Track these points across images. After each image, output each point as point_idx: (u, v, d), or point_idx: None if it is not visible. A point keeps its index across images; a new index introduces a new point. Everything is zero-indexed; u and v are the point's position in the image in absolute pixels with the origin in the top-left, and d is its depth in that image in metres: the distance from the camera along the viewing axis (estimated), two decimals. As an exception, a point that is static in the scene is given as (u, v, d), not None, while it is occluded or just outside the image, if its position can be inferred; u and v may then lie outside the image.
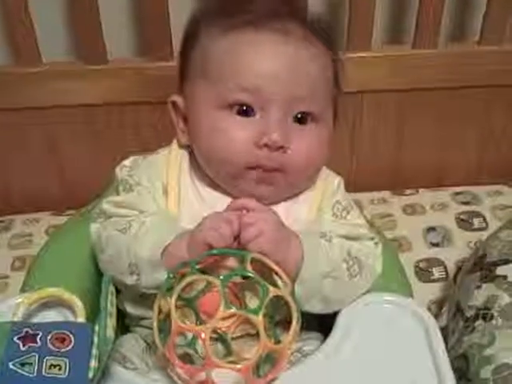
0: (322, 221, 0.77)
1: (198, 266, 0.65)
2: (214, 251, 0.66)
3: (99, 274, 0.76)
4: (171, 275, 0.65)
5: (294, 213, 0.77)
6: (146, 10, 1.05)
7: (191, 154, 0.78)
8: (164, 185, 0.76)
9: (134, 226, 0.72)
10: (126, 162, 0.80)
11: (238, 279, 0.66)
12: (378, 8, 1.08)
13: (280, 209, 0.75)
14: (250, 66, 0.72)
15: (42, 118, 1.12)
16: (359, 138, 1.18)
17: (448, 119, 1.17)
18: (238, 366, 0.62)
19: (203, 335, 0.61)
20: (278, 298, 0.65)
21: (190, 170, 0.78)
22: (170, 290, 0.64)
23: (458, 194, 1.18)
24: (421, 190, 1.19)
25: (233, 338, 0.69)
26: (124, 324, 0.79)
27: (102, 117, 1.13)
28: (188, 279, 0.63)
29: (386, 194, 1.19)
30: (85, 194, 1.04)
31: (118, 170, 0.80)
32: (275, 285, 0.66)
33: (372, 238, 0.78)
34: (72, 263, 0.79)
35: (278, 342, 0.66)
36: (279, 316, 0.70)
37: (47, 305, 0.71)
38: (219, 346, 0.69)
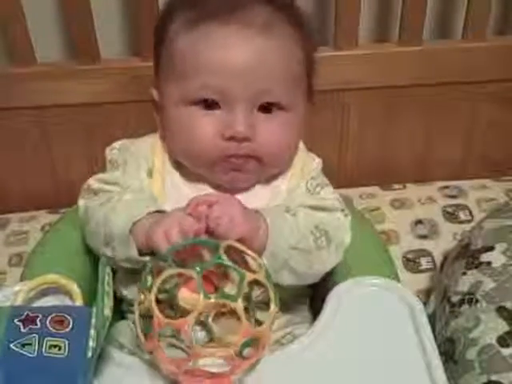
0: (294, 194, 0.79)
1: (172, 258, 0.65)
2: (188, 241, 0.67)
3: (96, 260, 0.78)
4: (149, 273, 0.65)
5: (274, 192, 0.79)
6: (137, 9, 1.07)
7: None
8: (149, 167, 0.79)
9: (113, 199, 0.75)
10: (115, 144, 0.83)
11: (213, 268, 0.66)
12: (363, 6, 1.10)
13: (259, 190, 0.79)
14: (212, 63, 0.73)
15: (36, 117, 1.13)
16: (347, 135, 1.20)
17: (433, 115, 1.19)
18: (223, 354, 0.63)
19: (186, 327, 0.62)
20: (255, 282, 0.66)
21: (172, 159, 0.80)
22: (149, 286, 0.64)
23: (444, 187, 1.20)
24: (408, 185, 1.21)
25: (214, 320, 0.70)
26: (120, 311, 0.81)
27: (96, 116, 1.14)
28: (165, 274, 0.64)
29: (374, 189, 1.21)
30: (79, 192, 1.06)
31: (107, 151, 0.83)
32: (250, 270, 0.66)
33: (342, 210, 0.80)
34: (69, 252, 0.82)
35: (259, 324, 0.67)
36: (258, 299, 0.71)
37: (45, 292, 0.73)
38: (200, 332, 0.70)
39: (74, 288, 0.70)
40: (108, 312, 0.64)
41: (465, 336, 0.81)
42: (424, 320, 0.73)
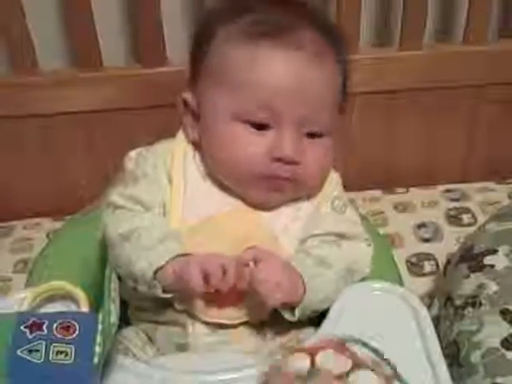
0: (319, 216, 0.79)
1: None
2: None
3: (101, 267, 0.78)
4: None
5: (297, 211, 0.79)
6: (139, 16, 1.08)
7: (200, 149, 0.80)
8: (169, 173, 0.78)
9: (134, 236, 0.73)
10: (132, 153, 0.82)
11: None
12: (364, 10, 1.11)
13: (284, 209, 0.78)
14: (266, 83, 0.73)
15: (40, 125, 1.14)
16: (350, 140, 1.20)
17: (436, 119, 1.20)
18: None
19: None
20: None
21: (199, 166, 0.80)
22: None
23: (447, 191, 1.21)
24: (411, 189, 1.22)
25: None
26: (126, 317, 0.80)
27: (99, 123, 1.15)
28: None
29: (377, 192, 1.21)
30: (82, 199, 1.07)
31: (126, 160, 0.82)
32: None
33: (366, 239, 0.80)
34: (74, 258, 0.82)
35: None
36: None
37: (51, 299, 0.72)
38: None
39: (80, 294, 0.70)
40: (114, 319, 0.64)
41: (469, 339, 0.81)
42: (428, 324, 0.73)
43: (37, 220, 1.18)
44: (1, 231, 1.16)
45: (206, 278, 0.68)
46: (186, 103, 0.80)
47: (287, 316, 0.73)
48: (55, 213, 1.19)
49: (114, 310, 0.65)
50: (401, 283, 0.82)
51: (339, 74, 0.79)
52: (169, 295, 0.71)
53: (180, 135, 0.82)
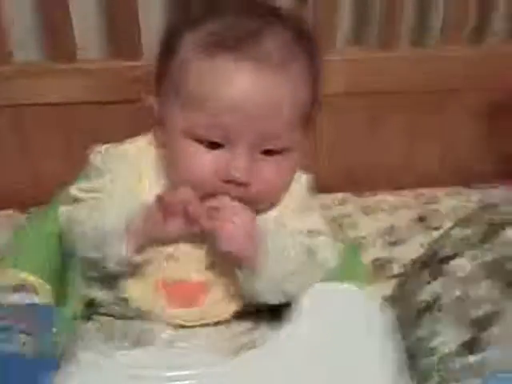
0: (283, 217, 0.79)
1: None
2: None
3: (60, 261, 0.78)
4: None
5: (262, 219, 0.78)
6: (115, 9, 1.07)
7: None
8: (140, 173, 0.78)
9: (100, 203, 0.74)
10: (99, 149, 0.81)
11: None
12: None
13: None
14: (221, 100, 0.70)
15: (14, 116, 1.13)
16: (320, 142, 1.20)
17: (411, 122, 1.21)
18: None
19: None
20: None
21: (161, 167, 0.79)
22: None
23: (416, 195, 1.22)
24: (380, 192, 1.23)
25: None
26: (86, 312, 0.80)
27: (73, 116, 1.14)
28: None
29: (346, 195, 1.22)
30: (56, 190, 1.07)
31: (91, 156, 0.81)
32: None
33: (331, 234, 0.81)
34: (38, 252, 0.81)
35: None
36: None
37: (13, 289, 0.73)
38: None
39: (43, 286, 0.70)
40: (73, 311, 0.64)
41: (425, 344, 0.81)
42: (391, 326, 0.74)
43: (6, 212, 1.17)
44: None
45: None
46: (151, 108, 0.78)
47: (248, 289, 0.72)
48: (29, 205, 1.18)
49: (73, 302, 0.65)
50: (366, 285, 0.82)
51: (307, 82, 0.75)
52: (136, 259, 0.71)
53: (149, 136, 0.81)
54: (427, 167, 1.26)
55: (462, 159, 1.26)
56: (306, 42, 0.76)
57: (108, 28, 1.14)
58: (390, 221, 1.16)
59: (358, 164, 1.24)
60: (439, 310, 0.83)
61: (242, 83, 0.70)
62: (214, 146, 0.72)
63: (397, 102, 1.18)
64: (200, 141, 0.72)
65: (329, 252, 0.79)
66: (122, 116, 1.12)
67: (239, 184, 0.72)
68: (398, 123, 1.21)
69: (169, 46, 0.76)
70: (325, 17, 1.10)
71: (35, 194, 1.18)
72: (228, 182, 0.72)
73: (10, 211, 1.18)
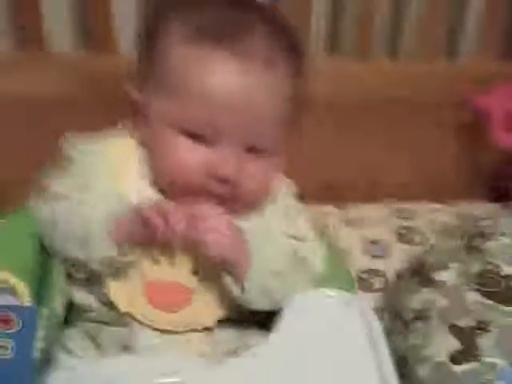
0: (269, 222, 0.78)
1: None
2: None
3: (46, 263, 0.75)
4: None
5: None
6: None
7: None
8: (116, 170, 0.76)
9: (84, 201, 0.72)
10: (74, 140, 0.77)
11: None
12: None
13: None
14: (206, 94, 0.70)
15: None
16: (300, 153, 1.19)
17: (383, 135, 1.20)
18: None
19: None
20: None
21: (146, 174, 0.77)
22: None
23: (397, 209, 1.21)
24: (361, 205, 1.22)
25: None
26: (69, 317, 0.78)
27: (42, 111, 1.10)
28: None
29: (327, 208, 1.21)
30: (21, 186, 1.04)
31: (65, 147, 0.77)
32: None
33: (317, 239, 0.80)
34: (18, 252, 0.78)
35: None
36: None
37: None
38: None
39: (22, 288, 0.67)
40: (59, 314, 0.61)
41: (417, 353, 0.80)
42: (380, 334, 0.73)
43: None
44: None
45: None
46: (133, 102, 0.77)
47: (236, 291, 0.72)
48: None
49: (58, 305, 0.62)
50: (354, 293, 0.81)
51: (291, 84, 0.75)
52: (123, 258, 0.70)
53: (124, 129, 0.78)
54: (402, 182, 1.25)
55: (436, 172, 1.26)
56: (292, 41, 0.76)
57: (81, 21, 1.11)
58: (372, 234, 1.15)
59: (335, 177, 1.22)
60: (430, 319, 0.82)
61: (224, 79, 0.70)
62: (199, 139, 0.71)
63: (365, 115, 1.17)
64: (186, 133, 0.71)
65: (315, 257, 0.78)
66: (93, 112, 1.08)
67: (226, 181, 0.71)
68: (373, 135, 1.20)
69: (150, 34, 0.76)
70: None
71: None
72: (214, 178, 0.71)
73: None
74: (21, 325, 0.62)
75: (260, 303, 0.73)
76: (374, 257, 1.11)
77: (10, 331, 0.61)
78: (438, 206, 1.23)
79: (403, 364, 0.81)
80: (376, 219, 1.19)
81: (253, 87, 0.71)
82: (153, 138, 0.75)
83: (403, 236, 1.15)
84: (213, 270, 0.72)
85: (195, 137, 0.72)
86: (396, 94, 1.16)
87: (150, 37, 0.76)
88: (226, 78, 0.70)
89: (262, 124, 0.72)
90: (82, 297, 0.75)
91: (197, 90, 0.70)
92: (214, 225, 0.70)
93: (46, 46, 1.08)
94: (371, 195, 1.24)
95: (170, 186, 0.74)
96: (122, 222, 0.70)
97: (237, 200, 0.73)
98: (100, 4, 1.04)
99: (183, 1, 0.76)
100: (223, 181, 0.71)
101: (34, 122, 1.12)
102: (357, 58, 1.14)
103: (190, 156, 0.71)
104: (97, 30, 1.08)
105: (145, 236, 0.69)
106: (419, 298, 0.86)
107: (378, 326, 0.74)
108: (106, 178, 0.75)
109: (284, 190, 0.81)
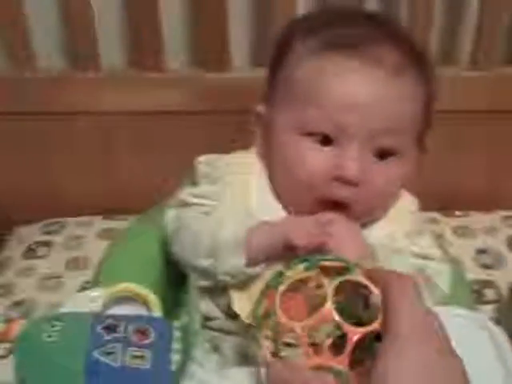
0: (397, 237, 0.77)
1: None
2: (329, 256, 0.61)
3: (168, 270, 0.76)
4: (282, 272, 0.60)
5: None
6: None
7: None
8: (247, 185, 0.77)
9: (215, 211, 0.74)
10: (203, 159, 0.81)
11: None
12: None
13: None
14: (335, 97, 0.71)
15: (99, 122, 1.13)
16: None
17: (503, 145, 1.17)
18: None
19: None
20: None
21: (265, 178, 0.79)
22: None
23: (508, 217, 1.18)
24: (471, 213, 1.19)
25: None
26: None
27: (155, 124, 1.13)
28: (303, 275, 0.58)
29: (435, 214, 1.18)
30: (132, 199, 1.07)
31: (198, 164, 0.81)
32: None
33: (443, 260, 0.78)
34: (142, 261, 0.80)
35: None
36: None
37: (120, 300, 0.71)
38: None
39: (153, 299, 0.69)
40: (193, 326, 0.62)
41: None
42: (509, 351, 0.71)
43: (88, 218, 1.16)
44: (52, 228, 1.14)
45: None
46: (258, 116, 0.79)
47: None
48: (106, 211, 1.17)
49: (192, 316, 0.63)
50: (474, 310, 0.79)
51: (420, 95, 0.75)
52: (248, 270, 0.69)
53: (253, 150, 0.81)
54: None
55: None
56: (418, 51, 0.76)
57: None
58: (482, 243, 1.12)
59: (446, 184, 1.19)
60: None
61: (354, 82, 0.71)
62: (325, 141, 0.72)
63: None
64: (311, 136, 0.72)
65: (441, 278, 0.77)
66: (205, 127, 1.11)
67: (350, 183, 0.71)
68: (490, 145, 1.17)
69: (281, 51, 0.78)
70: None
71: (112, 202, 1.18)
72: (338, 180, 0.71)
73: (90, 217, 1.17)
74: (155, 337, 0.63)
75: None
76: (485, 267, 1.08)
77: (146, 342, 0.62)
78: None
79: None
80: (485, 227, 1.16)
81: (381, 92, 0.71)
82: (278, 146, 0.76)
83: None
84: None
85: (322, 142, 0.72)
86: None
87: (280, 53, 0.78)
88: (355, 83, 0.71)
89: (388, 126, 0.72)
90: (206, 305, 0.75)
91: (328, 95, 0.71)
92: (347, 234, 0.69)
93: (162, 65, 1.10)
94: (485, 203, 1.20)
95: (294, 197, 0.75)
96: (256, 235, 0.70)
97: (359, 205, 0.73)
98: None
99: (312, 20, 0.79)
100: (347, 181, 0.71)
101: (149, 135, 1.15)
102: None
103: (316, 158, 0.72)
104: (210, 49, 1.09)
105: (283, 251, 0.69)
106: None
107: (505, 342, 0.72)
108: (234, 192, 0.76)
109: (407, 205, 0.80)
